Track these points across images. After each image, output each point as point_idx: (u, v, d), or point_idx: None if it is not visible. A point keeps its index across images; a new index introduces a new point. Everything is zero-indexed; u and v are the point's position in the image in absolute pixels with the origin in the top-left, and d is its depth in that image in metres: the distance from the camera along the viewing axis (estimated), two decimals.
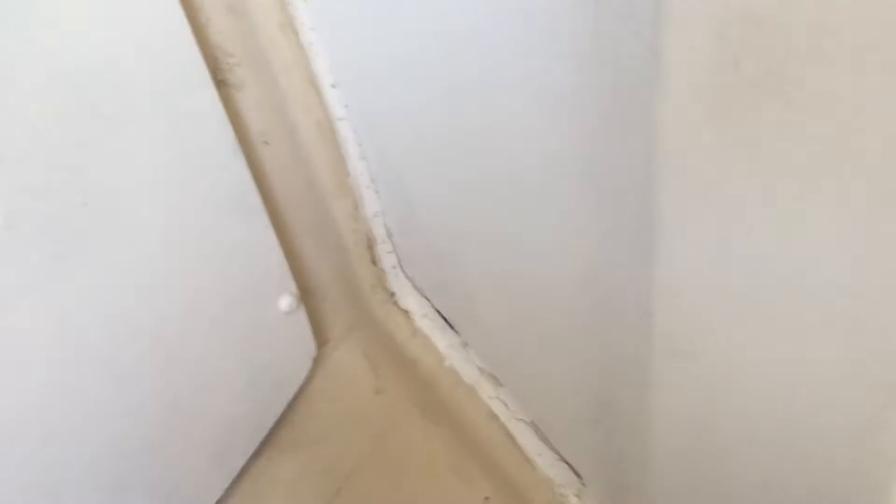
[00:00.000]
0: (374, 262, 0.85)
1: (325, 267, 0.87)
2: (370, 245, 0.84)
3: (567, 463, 0.90)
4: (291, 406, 0.87)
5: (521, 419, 0.89)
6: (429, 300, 0.89)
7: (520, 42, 0.54)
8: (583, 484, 0.90)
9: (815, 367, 0.48)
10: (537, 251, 0.69)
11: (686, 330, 0.56)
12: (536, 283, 0.71)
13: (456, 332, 0.89)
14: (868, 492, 0.51)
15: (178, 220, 0.69)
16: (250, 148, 0.75)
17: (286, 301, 0.81)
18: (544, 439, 0.90)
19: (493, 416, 0.90)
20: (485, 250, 0.74)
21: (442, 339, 0.89)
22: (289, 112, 0.73)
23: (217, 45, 0.69)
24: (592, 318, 0.69)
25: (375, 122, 0.74)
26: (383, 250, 0.85)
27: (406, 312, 0.89)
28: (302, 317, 0.84)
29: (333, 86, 0.72)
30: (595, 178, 0.57)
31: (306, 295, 0.86)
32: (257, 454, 0.84)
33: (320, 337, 0.89)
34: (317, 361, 0.90)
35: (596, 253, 0.63)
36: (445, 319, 0.89)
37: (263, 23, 0.67)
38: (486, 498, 0.92)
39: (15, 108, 0.56)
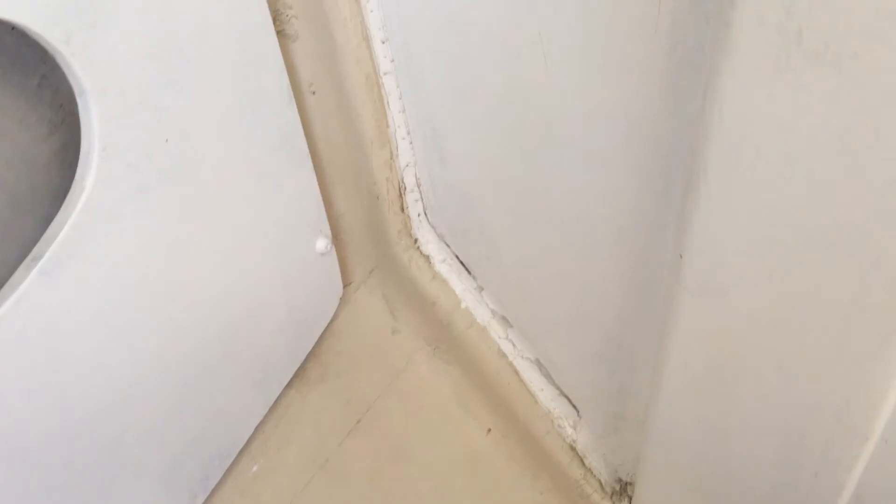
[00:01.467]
0: (402, 209, 0.91)
1: (355, 212, 0.92)
2: (400, 193, 0.90)
3: (566, 397, 0.99)
4: (318, 342, 0.93)
5: (527, 357, 0.98)
6: (449, 246, 0.96)
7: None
8: (579, 416, 0.99)
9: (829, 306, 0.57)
10: (569, 198, 0.76)
11: (716, 269, 0.64)
12: (563, 228, 0.79)
13: (472, 276, 0.96)
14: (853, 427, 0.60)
15: (237, 160, 0.74)
16: (299, 96, 0.80)
17: (322, 243, 0.87)
18: (547, 376, 0.98)
19: (502, 355, 0.98)
20: (513, 198, 0.81)
21: (458, 283, 0.97)
22: (340, 64, 0.78)
23: None
24: (618, 260, 0.77)
25: (418, 76, 0.80)
26: (411, 199, 0.91)
27: (427, 257, 0.96)
28: (333, 258, 0.90)
29: (383, 41, 0.78)
30: (643, 131, 0.65)
31: (334, 238, 0.92)
32: (288, 385, 0.90)
33: (344, 279, 0.95)
34: (340, 301, 0.96)
35: (632, 201, 0.71)
36: (463, 265, 0.96)
37: None
38: (489, 429, 1.01)
39: (115, 44, 0.60)
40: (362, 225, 0.94)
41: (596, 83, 0.65)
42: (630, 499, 0.99)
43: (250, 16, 0.71)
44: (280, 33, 0.76)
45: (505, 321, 0.97)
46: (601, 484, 1.01)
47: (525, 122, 0.74)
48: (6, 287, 0.60)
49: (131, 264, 0.66)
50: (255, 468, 0.87)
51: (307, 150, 0.81)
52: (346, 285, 0.96)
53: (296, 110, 0.78)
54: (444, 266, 0.96)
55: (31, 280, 0.59)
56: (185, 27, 0.65)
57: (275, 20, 0.76)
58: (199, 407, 0.77)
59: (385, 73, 0.80)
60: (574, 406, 0.98)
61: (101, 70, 0.60)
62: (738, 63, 0.52)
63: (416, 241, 0.95)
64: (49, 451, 0.65)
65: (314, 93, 0.81)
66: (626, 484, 1.00)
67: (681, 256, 0.66)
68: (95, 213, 0.62)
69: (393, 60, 0.79)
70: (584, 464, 1.00)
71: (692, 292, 0.68)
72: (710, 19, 0.56)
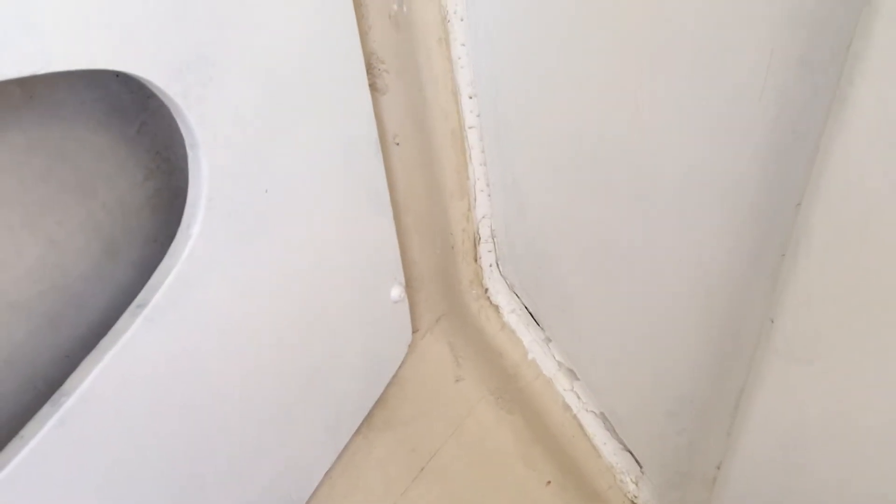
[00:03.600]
0: (475, 259, 0.92)
1: (427, 260, 0.93)
2: (475, 244, 0.91)
3: (630, 452, 0.98)
4: (386, 388, 0.94)
5: (592, 411, 0.98)
6: (519, 297, 0.96)
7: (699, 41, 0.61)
8: (642, 472, 0.98)
9: None
10: (653, 256, 0.76)
11: (809, 335, 0.64)
12: (644, 286, 0.79)
13: (541, 328, 0.97)
14: None
15: (326, 208, 0.76)
16: (383, 147, 0.81)
17: (396, 290, 0.87)
18: (611, 429, 0.98)
19: (566, 407, 0.98)
20: (592, 253, 0.82)
21: (527, 334, 0.97)
22: (426, 117, 0.80)
23: (372, 51, 0.76)
24: (700, 321, 0.77)
25: (503, 131, 0.81)
26: (484, 249, 0.92)
27: (496, 307, 0.96)
28: (405, 306, 0.91)
29: (471, 96, 0.79)
30: (740, 193, 0.65)
31: (405, 285, 0.93)
32: (356, 432, 0.90)
33: (412, 325, 0.96)
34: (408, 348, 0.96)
35: (721, 263, 0.71)
36: (532, 316, 0.97)
37: (424, 36, 0.73)
38: (549, 481, 1.00)
39: (228, 98, 0.61)
40: (434, 273, 0.95)
41: (692, 143, 0.66)
42: None
43: (347, 70, 0.72)
44: (371, 86, 0.78)
45: (571, 374, 0.97)
46: None
47: (612, 178, 0.75)
48: (112, 333, 0.61)
49: (227, 310, 0.67)
50: None
51: (389, 200, 0.82)
52: (413, 332, 0.97)
53: (381, 161, 0.80)
54: (513, 316, 0.97)
55: (136, 326, 0.60)
56: (289, 81, 0.67)
57: (367, 74, 0.78)
58: (276, 451, 0.78)
59: (470, 127, 0.81)
60: (637, 461, 0.98)
61: (213, 123, 0.61)
62: (853, 136, 0.52)
63: (486, 290, 0.96)
64: (139, 493, 0.65)
65: (398, 144, 0.83)
66: None
67: (772, 321, 0.66)
68: (199, 262, 0.63)
69: (479, 115, 0.81)
70: None
71: (782, 357, 0.68)
72: (818, 92, 0.57)
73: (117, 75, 0.69)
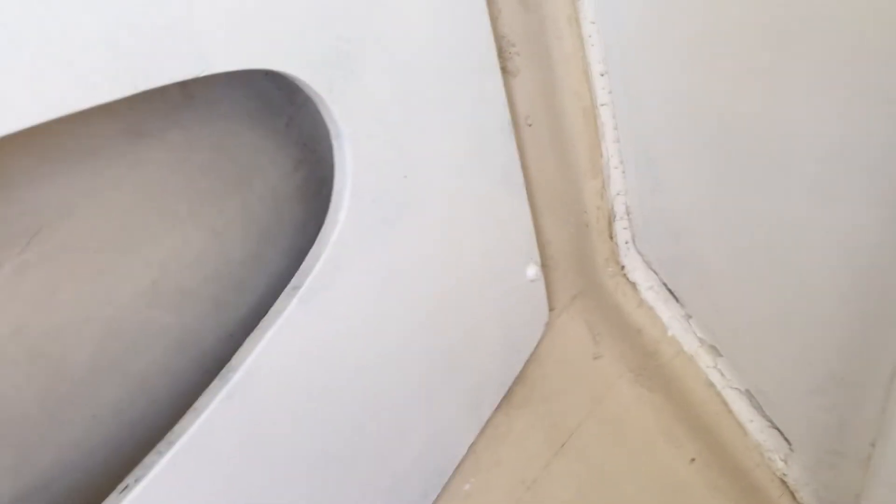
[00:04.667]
0: (610, 237, 0.92)
1: (562, 240, 0.94)
2: (609, 221, 0.91)
3: (778, 429, 0.96)
4: (523, 366, 0.96)
5: (736, 388, 0.96)
6: (656, 273, 0.95)
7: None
8: (791, 449, 0.96)
9: None
10: (797, 231, 0.74)
11: None
12: (788, 260, 0.77)
13: (680, 304, 0.95)
14: None
15: (462, 191, 0.78)
16: (516, 128, 0.83)
17: (532, 270, 0.89)
18: (757, 407, 0.95)
19: (710, 384, 0.96)
20: (732, 228, 0.80)
21: (665, 311, 0.96)
22: (558, 97, 0.80)
23: (503, 35, 0.77)
24: (849, 295, 0.74)
25: (636, 107, 0.81)
26: (619, 227, 0.92)
27: (634, 284, 0.96)
28: (541, 285, 0.92)
29: (602, 74, 0.79)
30: (889, 163, 0.62)
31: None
32: (497, 408, 0.93)
33: (548, 304, 0.97)
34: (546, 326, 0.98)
35: (869, 236, 0.68)
36: (671, 292, 0.96)
37: (553, 15, 0.74)
38: (693, 459, 0.99)
39: (369, 90, 0.65)
40: (569, 252, 0.95)
41: (837, 114, 0.64)
42: None
43: (480, 56, 0.74)
44: (502, 69, 0.79)
45: (714, 350, 0.95)
46: None
47: (751, 151, 0.73)
48: (271, 313, 0.65)
49: (373, 292, 0.71)
50: (467, 486, 0.90)
51: (522, 181, 0.84)
52: (550, 310, 0.98)
53: (514, 143, 0.81)
54: (651, 293, 0.96)
55: (292, 307, 0.64)
56: (424, 70, 0.69)
57: (499, 57, 0.80)
58: (423, 426, 0.81)
59: (602, 105, 0.81)
60: (786, 439, 0.95)
61: (356, 114, 0.64)
62: None
63: (622, 267, 0.96)
64: (295, 467, 0.70)
65: (530, 125, 0.84)
66: None
67: None
68: (346, 246, 0.67)
69: (611, 92, 0.81)
70: (794, 498, 0.96)
71: None
72: None
73: (266, 73, 0.74)
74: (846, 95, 0.63)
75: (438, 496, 0.87)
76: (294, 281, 0.67)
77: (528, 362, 0.96)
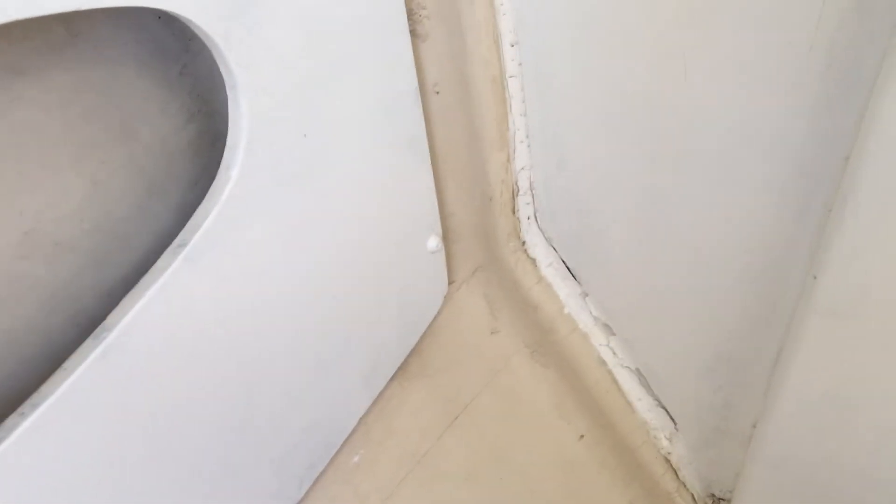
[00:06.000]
0: (513, 211, 0.91)
1: (465, 212, 0.93)
2: (513, 196, 0.90)
3: (664, 408, 0.98)
4: (421, 338, 0.94)
5: (627, 366, 0.97)
6: (556, 251, 0.96)
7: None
8: (676, 428, 0.98)
9: None
10: (696, 211, 0.75)
11: (853, 291, 0.63)
12: (686, 241, 0.78)
13: (578, 282, 0.96)
14: None
15: (365, 157, 0.75)
16: (423, 95, 0.81)
17: (433, 241, 0.87)
18: (646, 385, 0.97)
19: (602, 362, 0.98)
20: (634, 207, 0.81)
21: (563, 288, 0.97)
22: (467, 65, 0.79)
23: None
24: (741, 277, 0.76)
25: (545, 81, 0.80)
26: (522, 202, 0.91)
27: (534, 260, 0.96)
28: (442, 257, 0.91)
29: (512, 44, 0.78)
30: (785, 149, 0.64)
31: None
32: (392, 379, 0.91)
33: (449, 276, 0.96)
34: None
35: (764, 219, 0.70)
36: (569, 270, 0.96)
37: None
38: (582, 435, 1.00)
39: (269, 41, 0.61)
40: (471, 225, 0.94)
41: (740, 98, 0.64)
42: None
43: (387, 15, 0.72)
44: (412, 33, 0.77)
45: (608, 329, 0.96)
46: (693, 498, 1.00)
47: (657, 131, 0.74)
48: (153, 271, 0.62)
49: (265, 254, 0.68)
50: (356, 458, 0.88)
51: (427, 150, 0.82)
52: (449, 283, 0.97)
53: (421, 109, 0.79)
54: (550, 270, 0.96)
55: (176, 266, 0.61)
56: (329, 26, 0.66)
57: (408, 19, 0.77)
58: (315, 396, 0.79)
59: (511, 76, 0.80)
60: (672, 418, 0.98)
61: (253, 65, 0.61)
62: None
63: (524, 243, 0.95)
64: (174, 436, 0.67)
65: (438, 93, 0.82)
66: (719, 500, 0.99)
67: (815, 277, 0.65)
68: (238, 204, 0.64)
69: (521, 64, 0.80)
70: (677, 476, 0.99)
71: (823, 314, 0.67)
72: (874, 40, 0.55)
73: (160, 17, 0.70)
74: (750, 80, 0.63)
75: (325, 468, 0.85)
76: (180, 238, 0.63)
77: (425, 334, 0.94)
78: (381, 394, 0.90)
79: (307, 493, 0.83)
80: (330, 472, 0.86)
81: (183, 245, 0.62)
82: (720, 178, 0.72)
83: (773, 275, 0.74)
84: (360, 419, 0.88)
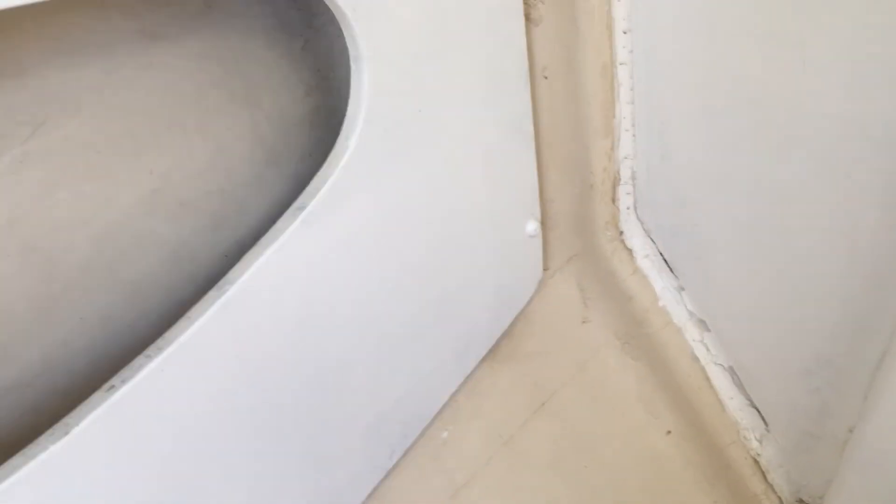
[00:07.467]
0: (613, 200, 0.92)
1: (564, 199, 0.94)
2: (614, 184, 0.90)
3: (756, 408, 0.96)
4: (512, 322, 0.95)
5: (720, 364, 0.96)
6: (654, 242, 0.95)
7: None
8: (767, 430, 0.97)
9: None
10: (803, 207, 0.74)
11: None
12: (790, 238, 0.77)
13: (674, 275, 0.96)
14: None
15: (472, 135, 0.77)
16: (532, 79, 0.82)
17: (532, 225, 0.89)
18: (738, 384, 0.96)
19: (694, 358, 0.97)
20: (738, 201, 0.80)
21: (659, 280, 0.96)
22: (578, 51, 0.80)
23: None
24: (847, 278, 0.74)
25: (655, 70, 0.80)
26: (623, 191, 0.92)
27: (630, 251, 0.96)
28: (539, 242, 0.92)
29: (625, 31, 0.79)
30: None
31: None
32: (482, 360, 0.93)
33: (543, 263, 0.97)
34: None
35: (875, 217, 0.68)
36: (666, 262, 0.96)
37: None
38: (669, 431, 1.00)
39: (393, 15, 0.64)
40: (569, 213, 0.95)
41: (858, 92, 0.63)
42: None
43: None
44: (525, 16, 0.78)
45: (702, 324, 0.96)
46: (781, 501, 0.98)
47: (767, 124, 0.73)
48: (273, 231, 0.65)
49: (373, 223, 0.70)
50: (445, 434, 0.90)
51: (532, 134, 0.83)
52: (544, 269, 0.98)
53: (529, 93, 0.80)
54: (647, 261, 0.96)
55: (295, 227, 0.64)
56: (451, 3, 0.68)
57: (523, 3, 0.79)
58: (409, 368, 0.81)
59: (621, 64, 0.81)
60: (763, 419, 0.96)
61: (377, 38, 0.63)
62: None
63: (621, 233, 0.96)
64: (282, 390, 0.70)
65: (546, 77, 0.83)
66: None
67: None
68: (354, 173, 0.66)
69: (631, 51, 0.80)
70: (765, 479, 0.97)
71: None
72: None
73: None
74: (866, 70, 0.62)
75: (416, 440, 0.87)
76: (299, 201, 0.66)
77: (517, 319, 0.96)
78: (471, 374, 0.92)
79: (397, 463, 0.85)
80: (419, 446, 0.88)
81: (301, 208, 0.65)
82: (828, 175, 0.70)
83: (881, 275, 0.72)
84: (451, 396, 0.90)
